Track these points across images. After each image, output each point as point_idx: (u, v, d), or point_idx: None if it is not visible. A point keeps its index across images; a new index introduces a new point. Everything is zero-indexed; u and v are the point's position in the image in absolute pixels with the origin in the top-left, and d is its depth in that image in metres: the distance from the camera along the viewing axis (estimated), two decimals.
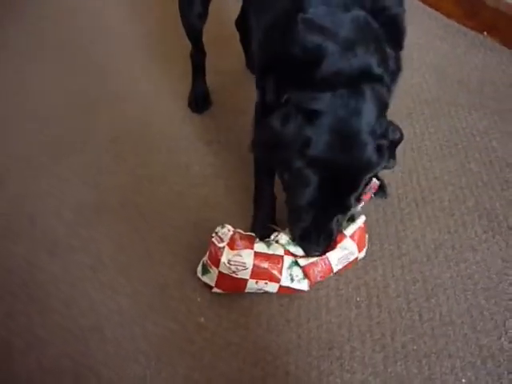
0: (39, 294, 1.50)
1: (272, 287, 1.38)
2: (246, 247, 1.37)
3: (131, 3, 2.66)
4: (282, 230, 1.43)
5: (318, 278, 1.40)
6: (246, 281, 1.36)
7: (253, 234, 1.43)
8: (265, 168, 1.55)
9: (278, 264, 1.35)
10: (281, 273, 1.36)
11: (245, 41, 2.10)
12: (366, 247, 1.48)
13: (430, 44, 2.26)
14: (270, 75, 1.31)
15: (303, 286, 1.39)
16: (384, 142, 1.21)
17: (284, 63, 1.25)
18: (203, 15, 1.83)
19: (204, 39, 1.95)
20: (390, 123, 1.26)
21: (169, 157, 1.85)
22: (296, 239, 1.37)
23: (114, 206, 1.70)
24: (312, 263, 1.38)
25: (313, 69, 1.18)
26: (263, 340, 1.36)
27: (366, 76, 1.18)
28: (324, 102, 1.16)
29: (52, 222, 1.68)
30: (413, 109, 1.98)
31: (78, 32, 2.48)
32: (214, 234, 1.39)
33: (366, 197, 1.44)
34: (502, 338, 1.34)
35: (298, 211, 1.31)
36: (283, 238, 1.40)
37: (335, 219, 1.32)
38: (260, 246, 1.38)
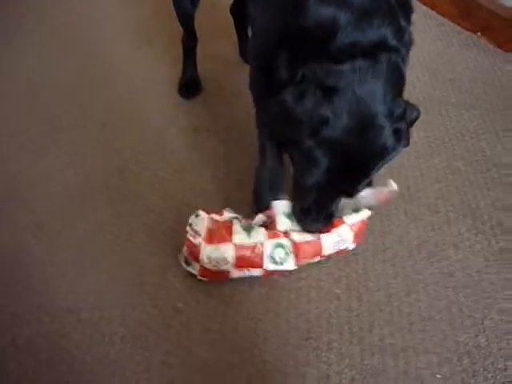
0: (20, 275, 1.49)
1: (257, 272, 1.37)
2: (223, 240, 1.33)
3: None
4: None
5: (305, 258, 1.39)
6: (229, 272, 1.36)
7: (229, 216, 1.39)
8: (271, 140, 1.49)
9: (259, 252, 1.34)
10: (262, 259, 1.34)
11: (239, 27, 2.09)
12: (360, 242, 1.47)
13: (424, 42, 2.25)
14: (282, 51, 1.26)
15: (288, 265, 1.37)
16: (402, 126, 1.17)
17: (297, 38, 1.20)
18: (195, 0, 1.80)
19: (196, 25, 1.94)
20: (407, 102, 1.21)
21: (155, 142, 1.83)
22: (296, 214, 1.35)
23: (99, 189, 1.69)
24: (306, 241, 1.36)
25: (328, 41, 1.14)
26: (241, 327, 1.36)
27: (383, 47, 1.15)
28: (342, 77, 1.12)
29: (36, 203, 1.66)
30: None
31: (71, 16, 2.45)
32: (188, 228, 1.35)
33: (381, 195, 1.42)
34: (480, 336, 1.35)
35: (303, 188, 1.27)
36: (282, 221, 1.37)
37: (338, 201, 1.30)
38: (239, 237, 1.33)
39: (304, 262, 1.40)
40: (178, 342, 1.33)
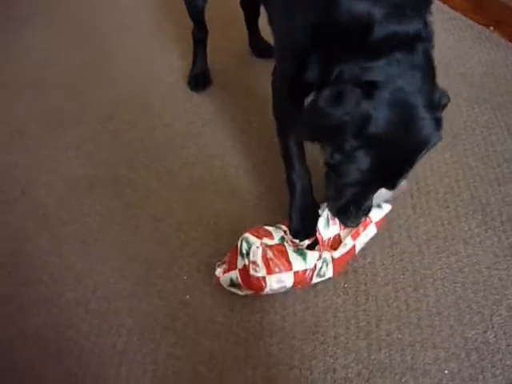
0: (26, 265, 1.50)
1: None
2: (285, 269, 1.30)
3: None
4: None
5: (342, 265, 1.42)
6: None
7: (278, 237, 1.36)
8: (297, 153, 1.45)
9: (313, 273, 1.35)
10: (313, 278, 1.36)
11: (249, 20, 2.08)
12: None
13: (436, 36, 2.19)
14: (312, 50, 1.23)
15: (329, 275, 1.39)
16: (440, 115, 1.16)
17: (329, 35, 1.18)
18: None
19: (207, 18, 1.93)
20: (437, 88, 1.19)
21: (164, 134, 1.83)
22: (334, 212, 1.34)
23: (107, 181, 1.69)
24: (345, 253, 1.38)
25: (364, 36, 1.11)
26: (247, 320, 1.36)
27: (418, 38, 1.14)
28: (381, 70, 1.10)
29: (43, 194, 1.67)
30: None
31: (82, 5, 2.46)
32: (246, 260, 1.30)
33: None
34: (488, 332, 1.33)
35: (342, 187, 1.26)
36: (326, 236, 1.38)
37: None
38: (297, 264, 1.32)
39: (341, 268, 1.43)
40: (185, 334, 1.34)
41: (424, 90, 1.12)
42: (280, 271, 1.29)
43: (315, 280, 1.37)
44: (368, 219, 1.41)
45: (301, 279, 1.33)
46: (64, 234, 1.56)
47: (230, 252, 1.38)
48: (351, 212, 1.30)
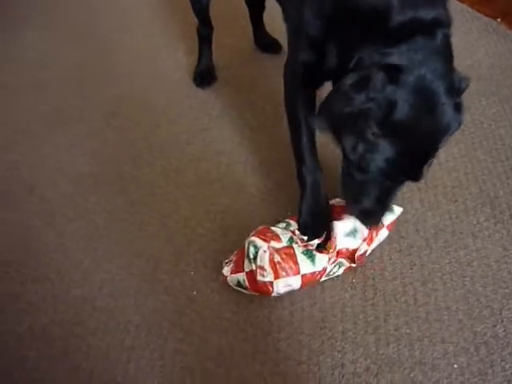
0: (32, 262, 1.50)
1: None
2: (292, 272, 1.29)
3: None
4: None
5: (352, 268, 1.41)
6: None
7: (286, 240, 1.33)
8: (308, 147, 1.43)
9: (322, 275, 1.34)
10: (320, 279, 1.36)
11: (254, 16, 2.07)
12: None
13: None
14: (329, 39, 1.22)
15: (337, 274, 1.40)
16: (460, 100, 1.15)
17: (346, 22, 1.17)
18: None
19: (211, 14, 1.92)
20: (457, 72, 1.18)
21: (169, 131, 1.83)
22: (356, 213, 1.31)
23: (112, 178, 1.69)
24: (357, 257, 1.37)
25: (383, 21, 1.10)
26: (255, 316, 1.35)
27: (438, 23, 1.13)
28: (403, 55, 1.09)
29: (49, 192, 1.67)
30: None
31: (81, 6, 2.45)
32: (253, 265, 1.29)
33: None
34: (498, 326, 1.32)
35: (365, 184, 1.23)
36: (341, 242, 1.35)
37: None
38: (305, 266, 1.30)
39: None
40: (192, 330, 1.33)
41: (445, 75, 1.11)
42: (287, 275, 1.28)
43: (323, 279, 1.37)
44: (380, 224, 1.39)
45: (309, 281, 1.33)
46: (70, 232, 1.56)
47: (238, 252, 1.38)
48: (375, 211, 1.28)
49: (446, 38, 1.14)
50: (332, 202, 1.47)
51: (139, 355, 1.30)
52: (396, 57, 1.09)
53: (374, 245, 1.42)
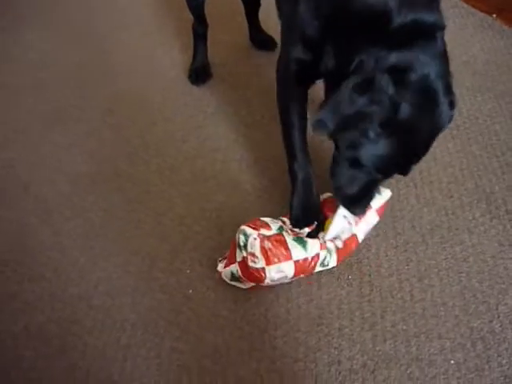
0: (29, 261, 1.50)
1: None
2: (284, 258, 1.28)
3: None
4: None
5: (346, 254, 1.41)
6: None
7: (276, 227, 1.34)
8: (299, 143, 1.43)
9: (316, 262, 1.33)
10: (315, 267, 1.35)
11: (249, 13, 2.06)
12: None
13: None
14: (327, 41, 1.22)
15: (332, 264, 1.38)
16: (454, 98, 1.18)
17: (345, 25, 1.17)
18: None
19: (206, 11, 1.92)
20: None
21: (165, 129, 1.82)
22: (343, 203, 1.33)
23: (108, 177, 1.69)
24: (346, 245, 1.37)
25: (383, 24, 1.11)
26: (251, 314, 1.35)
27: (437, 26, 1.15)
28: (406, 57, 1.10)
29: (46, 191, 1.67)
30: None
31: (80, 5, 2.45)
32: (243, 252, 1.29)
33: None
34: (494, 321, 1.32)
35: (357, 175, 1.24)
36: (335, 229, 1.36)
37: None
38: (297, 252, 1.30)
39: (345, 257, 1.42)
40: (188, 328, 1.33)
41: (444, 76, 1.14)
42: (279, 261, 1.28)
43: (318, 269, 1.36)
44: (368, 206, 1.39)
45: (302, 268, 1.32)
46: (67, 230, 1.56)
47: (231, 246, 1.38)
48: (360, 199, 1.30)
49: (443, 41, 1.17)
50: (323, 196, 1.47)
51: (135, 353, 1.30)
52: (400, 59, 1.10)
53: (363, 227, 1.40)
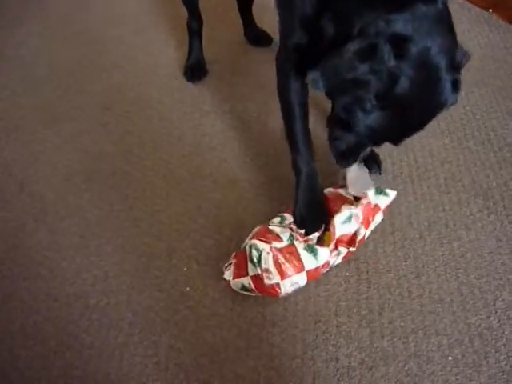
0: (24, 260, 1.49)
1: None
2: (297, 270, 1.28)
3: None
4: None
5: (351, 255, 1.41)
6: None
7: (287, 238, 1.32)
8: (303, 137, 1.42)
9: (325, 269, 1.34)
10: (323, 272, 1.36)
11: (243, 9, 2.05)
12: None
13: None
14: (325, 12, 1.17)
15: (338, 263, 1.39)
16: (459, 77, 1.12)
17: None
18: None
19: (201, 7, 1.91)
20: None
21: (161, 126, 1.81)
22: (333, 154, 1.29)
23: (104, 174, 1.68)
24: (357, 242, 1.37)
25: None
26: (249, 311, 1.34)
27: None
28: (408, 24, 1.04)
29: (41, 189, 1.66)
30: None
31: (73, 5, 2.43)
32: (258, 269, 1.27)
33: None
34: (492, 317, 1.32)
35: (346, 135, 1.22)
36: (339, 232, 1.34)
37: None
38: (308, 262, 1.29)
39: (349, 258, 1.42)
40: (186, 327, 1.32)
41: (448, 49, 1.08)
42: (292, 274, 1.28)
43: (325, 271, 1.37)
44: (377, 207, 1.39)
45: (313, 276, 1.32)
46: (62, 229, 1.55)
47: (236, 255, 1.35)
48: (350, 157, 1.28)
49: (446, 6, 1.10)
50: (325, 191, 1.45)
51: (133, 352, 1.29)
52: (402, 25, 1.05)
53: (371, 227, 1.41)
